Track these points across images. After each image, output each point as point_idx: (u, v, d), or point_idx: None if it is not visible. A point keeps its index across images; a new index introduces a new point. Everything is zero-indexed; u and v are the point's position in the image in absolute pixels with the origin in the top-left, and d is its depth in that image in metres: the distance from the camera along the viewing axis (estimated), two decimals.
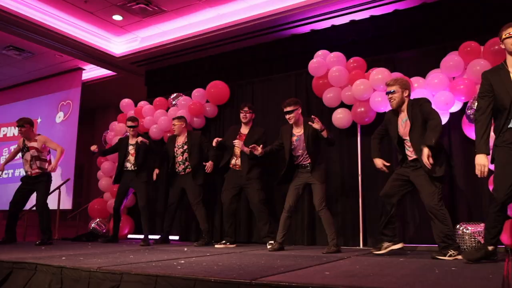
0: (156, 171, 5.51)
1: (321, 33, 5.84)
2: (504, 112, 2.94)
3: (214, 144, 4.98)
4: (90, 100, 8.51)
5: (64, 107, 8.12)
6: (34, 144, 5.34)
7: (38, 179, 5.33)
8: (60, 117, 8.15)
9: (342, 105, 5.06)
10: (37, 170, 5.31)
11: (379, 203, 4.82)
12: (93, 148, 5.58)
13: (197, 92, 6.17)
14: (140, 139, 5.35)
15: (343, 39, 5.63)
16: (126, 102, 6.92)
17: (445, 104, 4.38)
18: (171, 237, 5.94)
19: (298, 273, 2.50)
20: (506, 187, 2.91)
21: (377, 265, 2.96)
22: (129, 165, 5.49)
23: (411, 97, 3.79)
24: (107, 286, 2.55)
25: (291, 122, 4.41)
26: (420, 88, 4.60)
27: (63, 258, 3.32)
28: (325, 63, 5.14)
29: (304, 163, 4.40)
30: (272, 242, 4.72)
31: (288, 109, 4.36)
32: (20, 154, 5.53)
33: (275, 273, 2.47)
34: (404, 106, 3.71)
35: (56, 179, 7.73)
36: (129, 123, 5.52)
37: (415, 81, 4.66)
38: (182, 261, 3.14)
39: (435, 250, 4.25)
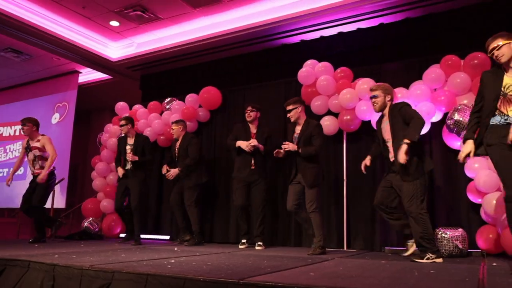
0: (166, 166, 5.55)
1: (310, 44, 5.95)
2: (488, 110, 2.99)
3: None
4: (86, 103, 8.55)
5: (60, 108, 8.21)
6: (37, 144, 5.38)
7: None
8: (56, 118, 8.23)
9: (329, 112, 5.21)
10: (39, 170, 5.37)
11: (363, 207, 5.03)
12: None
13: (190, 97, 6.32)
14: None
15: (331, 50, 5.76)
16: (121, 105, 7.05)
17: (427, 114, 4.53)
18: (162, 237, 6.10)
19: (284, 274, 2.56)
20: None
21: (360, 267, 3.04)
22: (127, 164, 5.52)
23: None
24: (98, 284, 2.58)
25: (292, 120, 4.48)
26: (403, 98, 4.73)
27: (56, 256, 3.35)
28: (314, 72, 5.30)
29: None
30: (261, 243, 4.89)
31: (288, 108, 4.44)
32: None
33: (262, 273, 2.52)
34: (386, 110, 3.89)
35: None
36: (120, 123, 5.62)
37: (399, 91, 4.82)
38: (173, 261, 3.20)
39: (416, 253, 4.45)
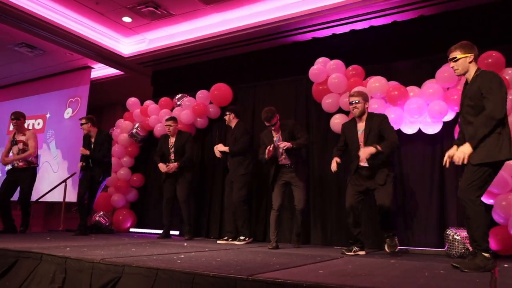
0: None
1: (322, 41, 5.94)
2: None
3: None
4: (98, 98, 8.63)
5: (73, 103, 8.30)
6: (22, 138, 5.52)
7: (24, 173, 5.52)
8: (68, 113, 8.33)
9: (340, 110, 5.19)
10: (23, 164, 5.49)
11: (373, 205, 5.00)
12: None
13: (201, 94, 6.34)
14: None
15: (343, 48, 5.74)
16: (132, 101, 7.10)
17: (439, 113, 4.51)
18: (172, 232, 6.13)
19: (293, 271, 2.56)
20: None
21: (369, 265, 3.03)
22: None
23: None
24: (109, 277, 2.61)
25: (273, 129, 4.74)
26: (415, 97, 4.72)
27: (68, 249, 3.39)
28: (325, 70, 5.28)
29: (286, 163, 4.66)
30: (243, 237, 5.03)
31: (270, 122, 4.66)
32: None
33: (271, 270, 2.52)
34: (364, 117, 4.11)
35: (63, 172, 7.96)
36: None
37: (411, 90, 4.80)
38: (182, 256, 3.22)
39: (427, 253, 4.44)
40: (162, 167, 5.56)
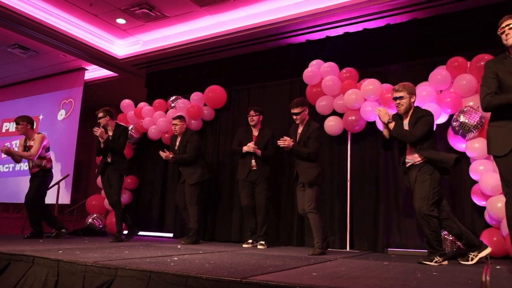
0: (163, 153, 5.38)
1: (316, 44, 5.96)
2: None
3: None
4: (92, 99, 8.59)
5: (66, 105, 8.26)
6: (32, 143, 5.36)
7: (34, 177, 5.39)
8: (62, 114, 8.28)
9: (334, 113, 5.21)
10: (36, 168, 5.36)
11: (367, 208, 5.03)
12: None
13: (195, 96, 6.34)
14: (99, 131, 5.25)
15: (337, 50, 5.76)
16: (126, 103, 7.08)
17: None
18: (165, 234, 6.12)
19: (287, 273, 2.55)
20: None
21: (362, 268, 3.04)
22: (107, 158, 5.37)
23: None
24: (102, 280, 2.59)
25: (298, 122, 4.45)
26: None
27: (60, 251, 3.37)
28: (319, 72, 5.30)
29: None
30: (263, 242, 4.91)
31: (295, 110, 4.37)
32: None
33: (265, 272, 2.52)
34: (410, 112, 3.70)
35: (56, 174, 7.87)
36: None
37: None
38: (175, 258, 3.20)
39: (420, 255, 4.44)
40: (161, 153, 5.36)
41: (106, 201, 6.57)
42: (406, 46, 5.38)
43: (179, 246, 4.61)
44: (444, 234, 4.16)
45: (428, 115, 3.62)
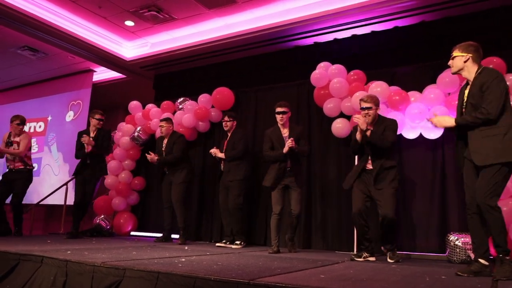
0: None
1: (323, 46, 5.96)
2: None
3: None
4: (100, 101, 8.63)
5: (75, 106, 8.32)
6: (17, 139, 5.59)
7: (19, 175, 5.55)
8: (70, 116, 8.35)
9: (341, 115, 5.20)
10: (18, 164, 5.54)
11: (374, 211, 5.00)
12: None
13: (203, 97, 6.36)
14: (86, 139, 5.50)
15: (345, 52, 5.75)
16: (134, 104, 7.12)
17: None
18: (172, 236, 6.12)
19: (294, 275, 2.57)
20: None
21: (370, 270, 3.04)
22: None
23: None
24: (110, 281, 2.61)
25: (281, 123, 4.68)
26: (416, 102, 4.74)
27: (69, 252, 3.40)
28: (327, 74, 5.30)
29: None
30: (239, 242, 5.04)
31: (282, 109, 4.65)
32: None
33: (272, 274, 2.53)
34: (374, 122, 4.04)
35: (64, 175, 7.96)
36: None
37: (412, 95, 4.81)
38: (183, 259, 3.23)
39: (428, 258, 4.43)
40: (147, 156, 5.58)
41: (113, 202, 6.63)
42: (414, 49, 5.36)
43: (186, 248, 4.63)
44: (456, 240, 4.13)
45: (395, 124, 4.04)
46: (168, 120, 5.76)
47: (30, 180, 5.71)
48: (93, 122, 5.70)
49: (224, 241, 5.28)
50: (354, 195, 4.04)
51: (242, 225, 5.21)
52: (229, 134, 5.40)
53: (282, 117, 4.65)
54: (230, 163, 5.23)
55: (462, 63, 3.13)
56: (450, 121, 3.13)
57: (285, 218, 4.86)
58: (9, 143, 5.59)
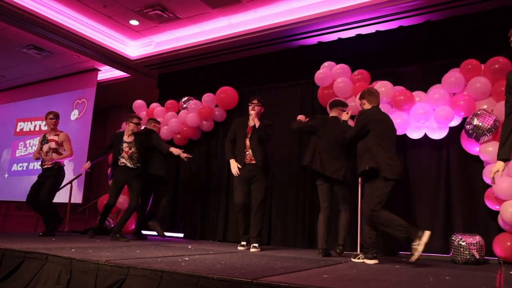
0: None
1: (328, 45, 5.95)
2: None
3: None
4: (104, 100, 8.68)
5: (79, 105, 8.35)
6: (54, 137, 5.46)
7: (49, 172, 5.39)
8: (75, 114, 8.38)
9: None
10: (51, 162, 5.38)
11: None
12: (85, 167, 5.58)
13: (207, 97, 6.36)
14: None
15: (349, 52, 5.74)
16: (138, 103, 7.13)
17: (445, 118, 4.50)
18: (176, 234, 6.16)
19: (298, 275, 2.56)
20: None
21: (374, 270, 3.02)
22: (124, 161, 5.37)
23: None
24: (114, 279, 2.61)
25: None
26: (421, 102, 4.72)
27: (73, 250, 3.40)
28: (331, 74, 5.29)
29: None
30: (256, 244, 4.60)
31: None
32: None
33: (276, 274, 2.52)
34: None
35: (69, 174, 7.97)
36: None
37: (417, 95, 4.79)
38: (186, 258, 3.22)
39: (432, 258, 4.40)
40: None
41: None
42: (419, 48, 5.34)
43: (189, 247, 4.63)
44: (459, 240, 4.12)
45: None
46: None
47: (60, 177, 5.52)
48: (130, 126, 5.40)
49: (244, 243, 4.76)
50: None
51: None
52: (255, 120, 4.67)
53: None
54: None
55: None
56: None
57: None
58: (44, 141, 5.49)
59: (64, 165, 5.60)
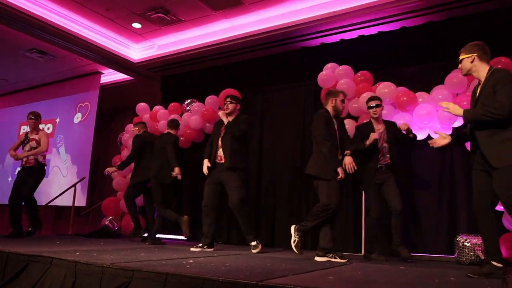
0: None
1: (330, 47, 5.94)
2: None
3: None
4: (107, 103, 8.69)
5: (82, 108, 8.38)
6: (35, 136, 5.61)
7: (30, 170, 5.52)
8: (78, 117, 8.40)
9: (349, 116, 5.21)
10: (32, 161, 5.52)
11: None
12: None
13: (210, 99, 6.37)
14: None
15: (352, 53, 5.72)
16: (141, 106, 7.15)
17: (449, 119, 4.49)
18: (179, 237, 6.16)
19: (302, 277, 2.56)
20: None
21: (378, 272, 3.03)
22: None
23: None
24: (119, 282, 2.61)
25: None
26: (424, 102, 4.73)
27: (77, 253, 3.41)
28: (334, 75, 5.29)
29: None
30: (254, 242, 4.61)
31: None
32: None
33: (281, 276, 2.53)
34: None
35: (72, 177, 8.01)
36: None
37: (420, 96, 4.79)
38: (191, 261, 3.23)
39: (437, 259, 4.40)
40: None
41: (122, 203, 6.66)
42: (421, 49, 5.32)
43: (192, 249, 4.63)
44: (464, 241, 4.11)
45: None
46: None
47: (42, 175, 5.65)
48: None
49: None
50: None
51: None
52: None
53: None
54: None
55: (470, 64, 3.12)
56: (460, 111, 3.04)
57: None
58: (26, 141, 5.60)
59: (46, 165, 5.75)
